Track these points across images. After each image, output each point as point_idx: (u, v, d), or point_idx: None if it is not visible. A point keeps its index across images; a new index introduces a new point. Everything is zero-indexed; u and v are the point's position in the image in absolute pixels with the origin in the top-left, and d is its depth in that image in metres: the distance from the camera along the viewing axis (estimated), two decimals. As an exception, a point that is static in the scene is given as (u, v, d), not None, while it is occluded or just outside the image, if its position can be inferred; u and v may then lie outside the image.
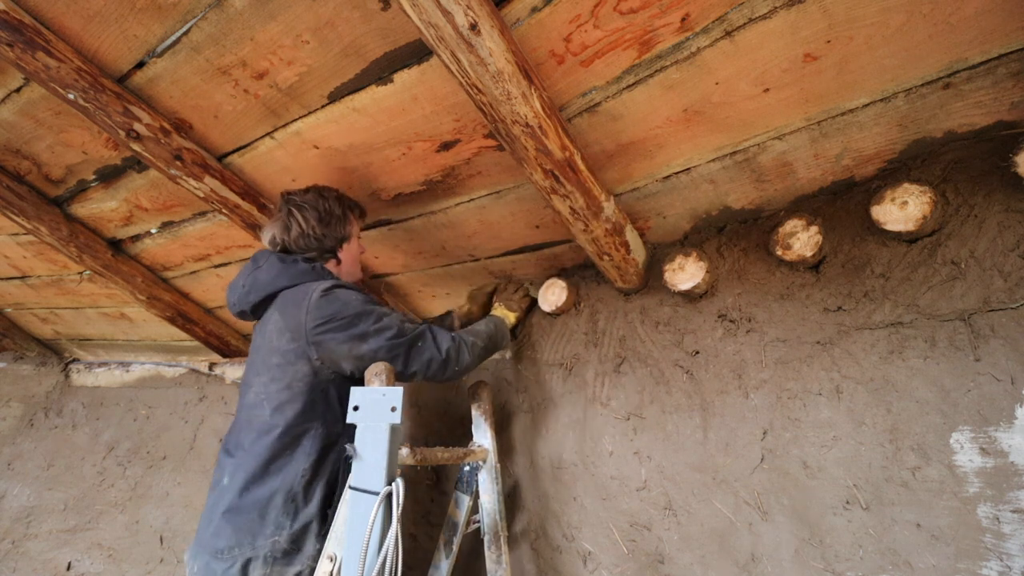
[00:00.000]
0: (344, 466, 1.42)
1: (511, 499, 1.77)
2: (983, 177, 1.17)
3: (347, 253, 1.62)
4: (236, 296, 1.55)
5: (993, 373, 1.10)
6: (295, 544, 1.30)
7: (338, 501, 1.38)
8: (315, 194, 1.54)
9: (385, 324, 1.40)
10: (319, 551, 1.30)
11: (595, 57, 1.11)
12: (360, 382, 1.38)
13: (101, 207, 2.12)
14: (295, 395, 1.37)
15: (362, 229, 1.81)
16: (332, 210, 1.54)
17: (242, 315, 1.57)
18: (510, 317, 1.81)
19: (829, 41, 1.01)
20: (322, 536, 1.32)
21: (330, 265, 1.60)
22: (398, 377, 1.41)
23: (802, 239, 1.31)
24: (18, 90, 1.58)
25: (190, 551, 1.37)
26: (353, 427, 1.27)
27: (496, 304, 1.86)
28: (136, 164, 1.82)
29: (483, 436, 1.66)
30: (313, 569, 1.25)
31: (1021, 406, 1.06)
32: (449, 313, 2.01)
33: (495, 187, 1.54)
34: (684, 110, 1.20)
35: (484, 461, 1.60)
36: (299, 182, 1.69)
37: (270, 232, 1.56)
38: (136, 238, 2.30)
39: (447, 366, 1.46)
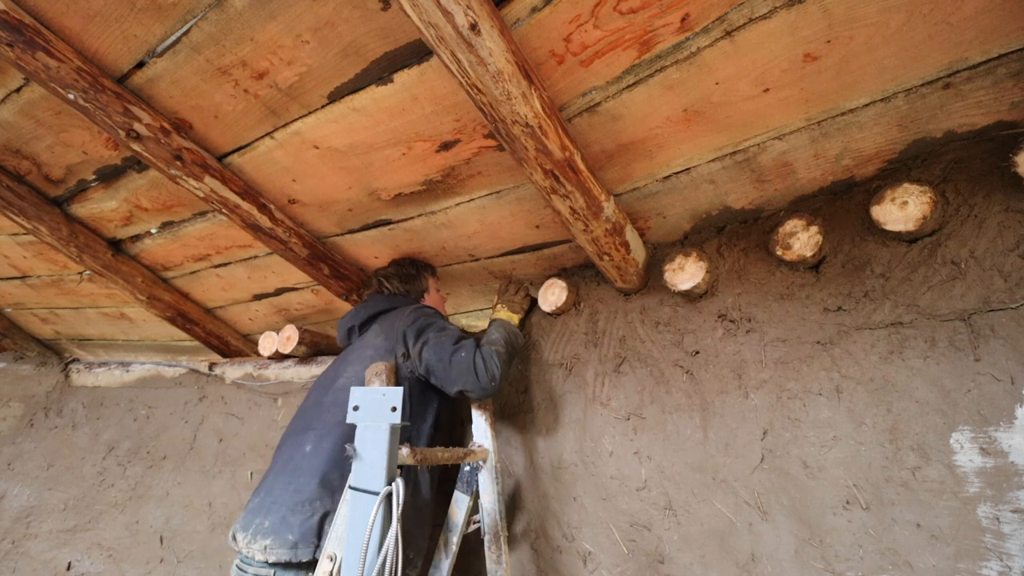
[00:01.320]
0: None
1: (511, 499, 1.77)
2: (983, 177, 1.17)
3: (428, 302, 1.93)
4: (348, 316, 1.85)
5: (993, 373, 1.10)
6: None
7: (410, 482, 1.51)
8: (395, 265, 1.94)
9: (445, 334, 1.61)
10: None
11: (595, 57, 1.11)
12: (436, 393, 1.62)
13: (101, 207, 2.12)
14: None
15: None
16: (409, 272, 1.91)
17: (349, 332, 1.84)
18: (514, 319, 1.83)
19: (829, 41, 1.01)
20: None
21: None
22: (442, 384, 1.57)
23: (802, 239, 1.31)
24: (18, 90, 1.58)
25: (248, 515, 1.44)
26: (429, 423, 1.54)
27: (498, 306, 1.87)
28: (136, 164, 1.82)
29: (483, 436, 1.66)
30: None
31: (1021, 406, 1.06)
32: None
33: (495, 187, 1.54)
34: (684, 110, 1.20)
35: (484, 461, 1.60)
36: (299, 182, 1.69)
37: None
38: (136, 238, 2.30)
39: (479, 379, 1.52)
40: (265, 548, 1.34)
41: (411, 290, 1.91)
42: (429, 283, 1.97)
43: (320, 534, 1.35)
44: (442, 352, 1.56)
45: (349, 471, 1.38)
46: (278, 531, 1.36)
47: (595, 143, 1.32)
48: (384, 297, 1.87)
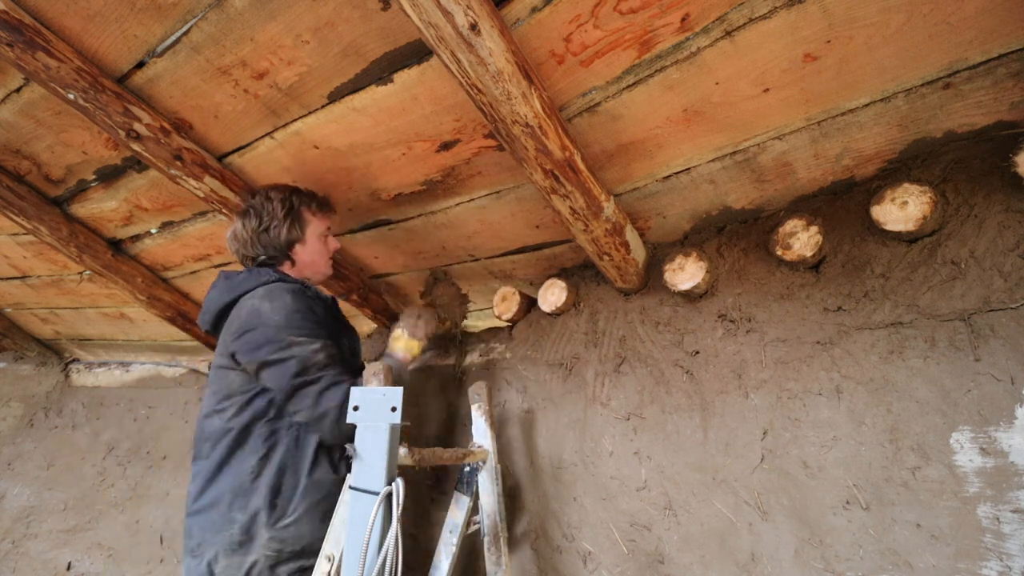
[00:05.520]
0: (292, 454, 1.47)
1: (511, 500, 1.77)
2: (983, 177, 1.17)
3: (302, 255, 1.62)
4: (202, 313, 1.60)
5: (993, 373, 1.10)
6: (247, 535, 1.39)
7: (287, 487, 1.43)
8: (263, 197, 1.56)
9: (289, 355, 1.40)
10: (271, 538, 1.39)
11: (595, 57, 1.11)
12: None
13: (101, 207, 2.12)
14: (237, 403, 1.46)
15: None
16: (275, 214, 1.54)
17: (208, 334, 1.68)
18: (414, 348, 1.65)
19: (829, 41, 1.01)
20: (271, 524, 1.40)
21: (285, 267, 1.63)
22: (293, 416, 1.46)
23: (802, 239, 1.31)
24: (18, 90, 1.58)
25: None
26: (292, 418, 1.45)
27: (398, 332, 1.66)
28: (136, 164, 1.82)
29: (483, 436, 1.66)
30: (268, 557, 1.37)
31: (1021, 406, 1.06)
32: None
33: (495, 187, 1.54)
34: (684, 110, 1.20)
35: (484, 461, 1.60)
36: (299, 182, 1.69)
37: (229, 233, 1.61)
38: (136, 238, 2.30)
39: (320, 423, 1.41)
40: None
41: (270, 242, 1.55)
42: (308, 229, 1.60)
43: None
44: (291, 382, 1.40)
45: (223, 506, 1.39)
46: None
47: (595, 143, 1.32)
48: (223, 281, 1.55)
